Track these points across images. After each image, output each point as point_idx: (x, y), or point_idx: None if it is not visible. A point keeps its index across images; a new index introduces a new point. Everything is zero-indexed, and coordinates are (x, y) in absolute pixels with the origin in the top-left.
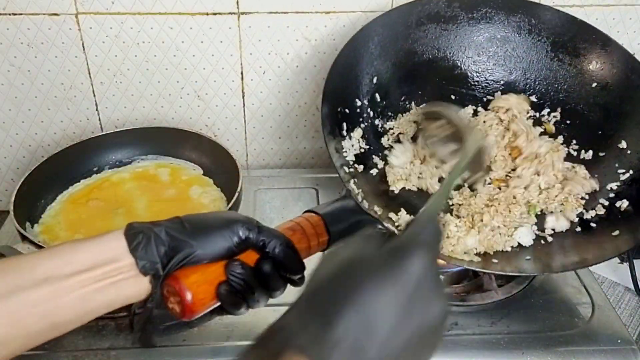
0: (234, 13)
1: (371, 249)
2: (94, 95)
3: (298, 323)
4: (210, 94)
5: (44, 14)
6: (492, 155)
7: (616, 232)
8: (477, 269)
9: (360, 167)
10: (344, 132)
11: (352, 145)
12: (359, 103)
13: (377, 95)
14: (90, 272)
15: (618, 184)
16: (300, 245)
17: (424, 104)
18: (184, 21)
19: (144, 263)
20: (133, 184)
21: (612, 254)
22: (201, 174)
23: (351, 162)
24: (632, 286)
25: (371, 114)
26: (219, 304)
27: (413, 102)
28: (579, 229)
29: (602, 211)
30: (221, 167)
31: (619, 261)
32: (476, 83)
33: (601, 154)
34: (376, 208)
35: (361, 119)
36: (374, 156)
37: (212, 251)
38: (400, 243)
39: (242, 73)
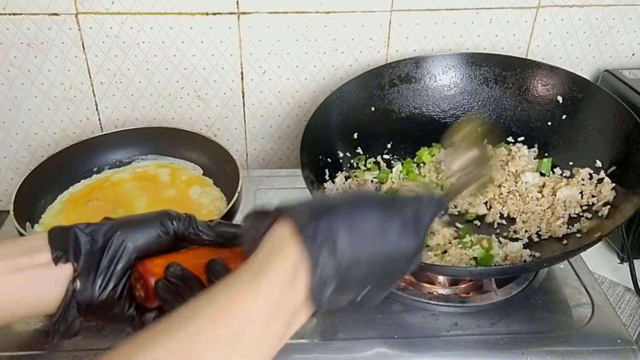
0: (234, 13)
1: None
2: (94, 95)
3: (298, 206)
4: (210, 94)
5: (44, 14)
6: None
7: (598, 234)
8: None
9: None
10: (327, 177)
11: (337, 189)
12: (341, 154)
13: (360, 148)
14: (6, 262)
15: (598, 198)
16: None
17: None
18: (184, 21)
19: (57, 253)
20: (133, 184)
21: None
22: (201, 174)
23: None
24: (632, 286)
25: (354, 164)
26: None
27: (396, 157)
28: (565, 241)
29: (586, 223)
30: (221, 167)
31: (619, 261)
32: None
33: (579, 177)
34: None
35: (344, 168)
36: None
37: (140, 239)
38: (401, 193)
39: (242, 73)
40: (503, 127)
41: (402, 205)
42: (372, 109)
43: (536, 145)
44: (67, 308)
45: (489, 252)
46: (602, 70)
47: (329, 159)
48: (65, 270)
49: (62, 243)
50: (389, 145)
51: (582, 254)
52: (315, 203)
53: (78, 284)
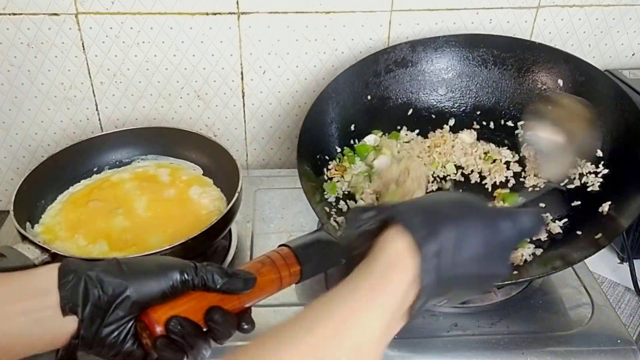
0: (234, 13)
1: (482, 201)
2: (94, 95)
3: (412, 213)
4: (210, 94)
5: (44, 14)
6: None
7: (599, 235)
8: None
9: (345, 207)
10: (325, 177)
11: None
12: (338, 150)
13: (357, 141)
14: (12, 304)
15: (598, 186)
16: (270, 276)
17: None
18: (184, 21)
19: (66, 302)
20: (133, 184)
21: (594, 251)
22: (201, 174)
23: (333, 203)
24: (632, 286)
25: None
26: None
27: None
28: (563, 237)
29: (585, 220)
30: (221, 167)
31: (619, 261)
32: (453, 117)
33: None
34: None
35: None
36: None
37: (146, 295)
38: (507, 210)
39: (242, 73)
40: (502, 110)
41: (505, 229)
42: (369, 97)
43: None
44: None
45: None
46: (602, 70)
47: (326, 156)
48: (72, 320)
49: (72, 293)
50: (386, 135)
51: None
52: (428, 212)
53: (80, 338)
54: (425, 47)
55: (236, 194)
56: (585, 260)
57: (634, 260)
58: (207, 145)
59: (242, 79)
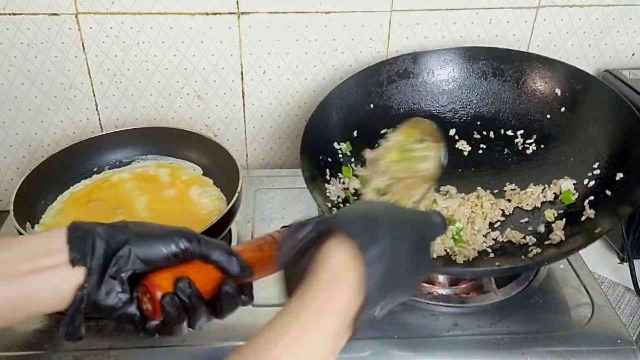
0: (234, 13)
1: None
2: (94, 95)
3: (352, 221)
4: (210, 94)
5: (44, 14)
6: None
7: (598, 230)
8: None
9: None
10: (327, 177)
11: (336, 187)
12: (340, 154)
13: (360, 146)
14: (26, 263)
15: (597, 189)
16: (271, 253)
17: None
18: (184, 21)
19: (75, 255)
20: (133, 184)
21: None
22: (201, 174)
23: (335, 202)
24: (632, 286)
25: (355, 161)
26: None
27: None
28: (563, 238)
29: (585, 216)
30: (221, 167)
31: (618, 261)
32: (454, 127)
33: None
34: None
35: (344, 166)
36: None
37: (150, 255)
38: (419, 211)
39: (242, 73)
40: (502, 120)
41: (423, 228)
42: (371, 106)
43: (534, 137)
44: (75, 313)
45: None
46: (602, 70)
47: (329, 159)
48: (81, 272)
49: (81, 245)
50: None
51: (582, 254)
52: (366, 219)
53: (87, 291)
54: (426, 59)
55: (236, 194)
56: (585, 260)
57: (634, 260)
58: (207, 145)
59: (242, 79)
